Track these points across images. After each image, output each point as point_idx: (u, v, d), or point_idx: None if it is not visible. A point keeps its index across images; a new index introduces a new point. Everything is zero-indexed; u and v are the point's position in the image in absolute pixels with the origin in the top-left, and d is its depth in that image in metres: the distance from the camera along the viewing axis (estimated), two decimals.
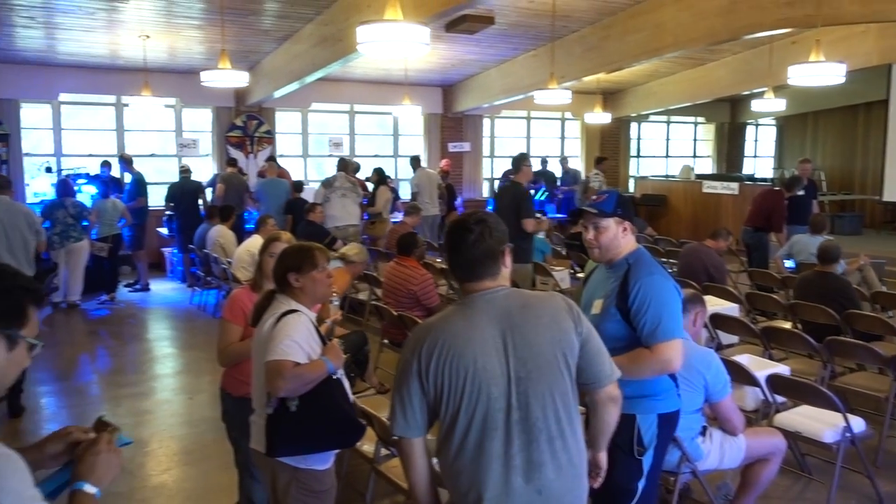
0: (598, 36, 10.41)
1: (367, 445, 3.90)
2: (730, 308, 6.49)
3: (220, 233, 9.25)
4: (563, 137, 16.93)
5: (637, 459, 2.93)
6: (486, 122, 15.64)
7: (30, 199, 11.01)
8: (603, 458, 2.58)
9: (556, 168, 15.27)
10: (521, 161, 7.66)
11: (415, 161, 12.57)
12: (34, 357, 1.68)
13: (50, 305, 9.37)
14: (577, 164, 16.33)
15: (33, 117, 11.86)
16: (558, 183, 14.95)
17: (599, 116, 13.94)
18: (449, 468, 2.29)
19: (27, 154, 11.70)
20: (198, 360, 7.54)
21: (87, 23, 9.16)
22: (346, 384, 3.01)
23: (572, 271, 8.73)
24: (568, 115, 16.53)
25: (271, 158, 12.39)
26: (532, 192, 13.85)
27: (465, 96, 14.33)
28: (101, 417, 1.86)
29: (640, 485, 2.92)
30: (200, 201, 10.81)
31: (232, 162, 11.76)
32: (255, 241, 7.82)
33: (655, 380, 2.94)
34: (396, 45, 5.02)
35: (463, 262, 2.31)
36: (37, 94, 11.55)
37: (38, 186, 11.37)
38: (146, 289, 10.66)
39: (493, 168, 15.96)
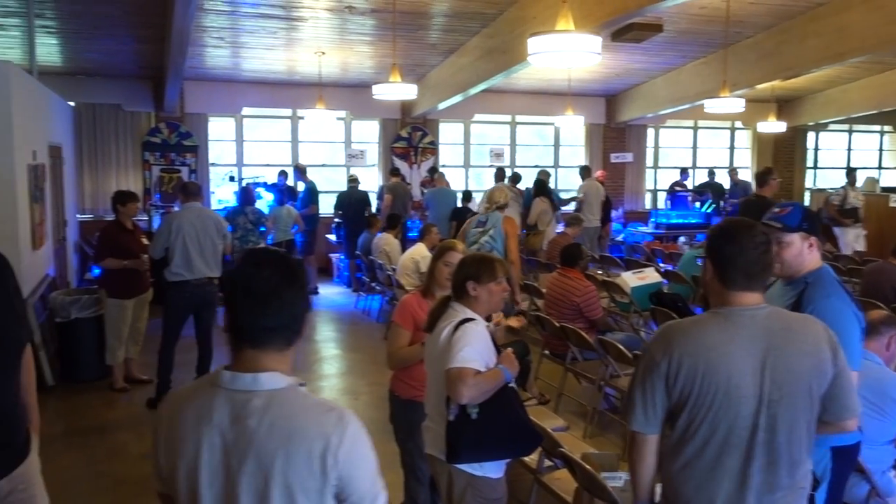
0: (775, 41, 9.89)
1: (531, 455, 3.88)
2: None
3: (385, 240, 9.56)
4: (732, 147, 16.20)
5: (810, 494, 2.75)
6: (650, 132, 15.25)
7: (214, 205, 11.85)
8: None
9: (724, 180, 14.62)
10: (767, 175, 7.55)
11: (584, 171, 12.46)
12: None
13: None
14: (747, 175, 15.55)
15: (218, 130, 12.79)
16: (726, 195, 14.30)
17: (773, 125, 13.21)
18: (675, 474, 2.28)
19: (213, 164, 12.62)
20: (361, 363, 7.82)
21: (269, 41, 9.77)
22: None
23: None
24: (738, 124, 15.80)
25: (434, 169, 12.69)
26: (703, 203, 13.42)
27: (628, 106, 14.04)
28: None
29: None
30: (367, 211, 11.22)
31: (395, 171, 12.14)
32: (419, 249, 8.03)
33: None
34: (567, 55, 5.02)
35: (746, 268, 2.23)
36: (222, 109, 12.46)
37: (222, 194, 12.22)
38: (315, 292, 11.18)
39: (657, 179, 15.52)
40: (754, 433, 2.17)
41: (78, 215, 11.15)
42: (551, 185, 12.69)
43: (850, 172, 13.28)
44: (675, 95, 12.45)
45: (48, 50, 9.60)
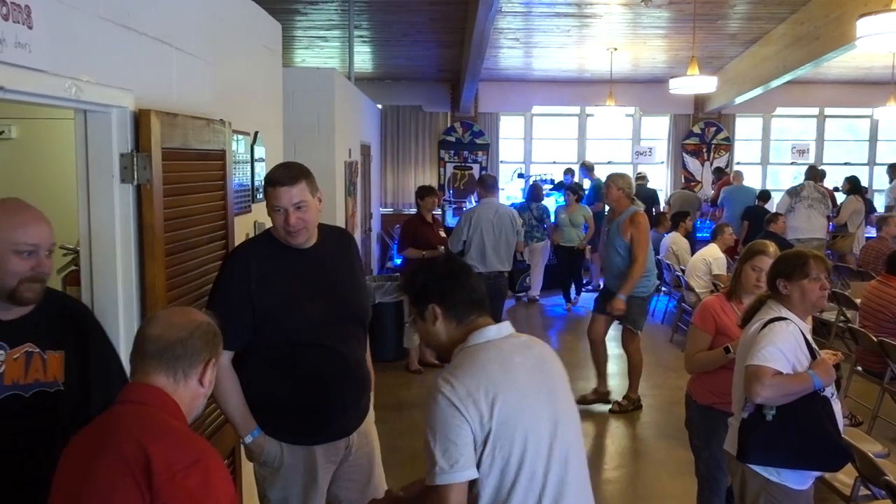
0: None
1: (844, 477, 3.51)
2: None
3: (673, 240, 9.23)
4: None
5: None
6: None
7: (502, 202, 12.25)
8: None
9: None
10: None
11: (893, 169, 11.08)
12: None
13: (513, 298, 10.30)
14: None
15: (508, 128, 13.21)
16: None
17: None
18: None
19: (502, 161, 13.07)
20: (646, 364, 7.51)
21: (561, 40, 9.88)
22: (838, 407, 2.76)
23: None
24: None
25: (719, 170, 12.08)
26: None
27: None
28: None
29: None
30: (656, 209, 10.92)
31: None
32: (711, 250, 7.67)
33: None
34: None
35: None
36: (513, 108, 12.86)
37: (510, 191, 12.60)
38: (598, 290, 11.06)
39: None
40: None
41: (381, 208, 12.14)
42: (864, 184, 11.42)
43: None
44: None
45: (362, 58, 10.55)
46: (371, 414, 2.97)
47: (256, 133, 3.97)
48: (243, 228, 3.66)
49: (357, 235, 8.56)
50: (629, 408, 6.05)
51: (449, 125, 12.75)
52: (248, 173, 3.88)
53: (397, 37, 9.46)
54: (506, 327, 2.07)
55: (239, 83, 3.73)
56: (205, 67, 3.16)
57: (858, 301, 6.04)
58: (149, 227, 2.46)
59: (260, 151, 4.05)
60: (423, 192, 7.29)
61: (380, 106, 11.84)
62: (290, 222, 2.57)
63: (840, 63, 10.20)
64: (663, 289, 9.35)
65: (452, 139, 12.72)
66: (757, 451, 2.75)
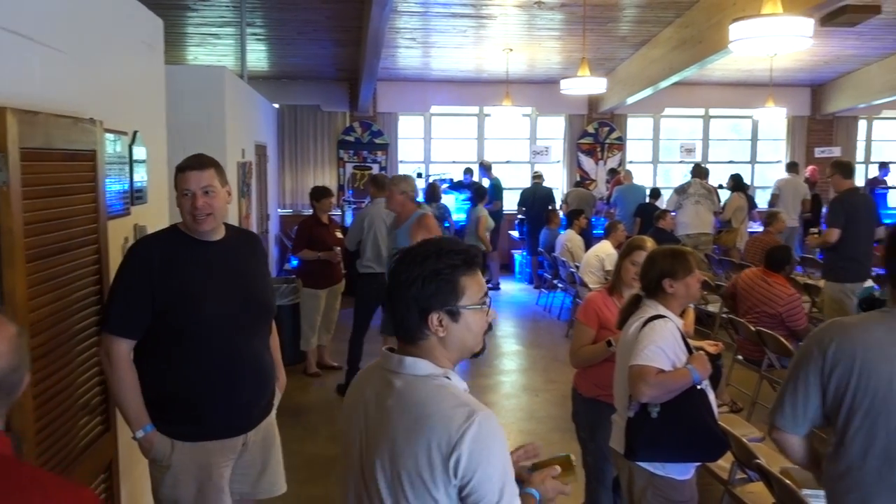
0: None
1: (723, 463, 3.67)
2: None
3: (568, 237, 9.45)
4: None
5: None
6: (862, 125, 14.01)
7: None
8: None
9: None
10: None
11: (790, 167, 11.68)
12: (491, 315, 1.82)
13: None
14: None
15: (407, 128, 13.20)
16: None
17: None
18: (836, 482, 2.10)
19: (402, 161, 13.05)
20: (542, 359, 7.78)
21: (458, 40, 9.94)
22: (712, 396, 2.87)
23: None
24: None
25: (613, 170, 12.44)
26: None
27: (837, 96, 12.96)
28: (569, 457, 1.95)
29: None
30: (550, 206, 11.14)
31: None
32: (604, 247, 7.87)
33: None
34: (773, 40, 4.71)
35: None
36: (412, 108, 12.86)
37: None
38: (496, 288, 11.24)
39: (868, 174, 14.22)
40: None
41: (279, 210, 11.92)
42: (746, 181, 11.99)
43: None
44: (893, 83, 11.33)
45: (257, 56, 10.33)
46: (273, 411, 2.95)
47: (135, 133, 3.81)
48: (121, 232, 3.50)
49: None
50: None
51: (348, 125, 12.63)
52: (127, 175, 3.72)
53: (292, 35, 9.30)
54: (390, 360, 1.75)
55: (113, 80, 3.57)
56: (72, 63, 3.01)
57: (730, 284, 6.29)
58: (7, 231, 2.31)
59: (140, 152, 3.89)
60: (319, 194, 7.18)
61: (276, 105, 11.61)
62: (196, 205, 2.62)
63: (723, 66, 10.67)
64: (559, 285, 9.56)
65: (351, 139, 12.62)
66: (644, 448, 2.82)
